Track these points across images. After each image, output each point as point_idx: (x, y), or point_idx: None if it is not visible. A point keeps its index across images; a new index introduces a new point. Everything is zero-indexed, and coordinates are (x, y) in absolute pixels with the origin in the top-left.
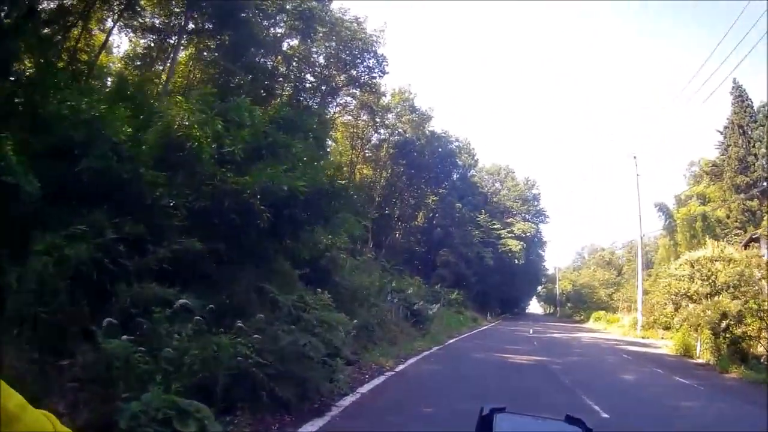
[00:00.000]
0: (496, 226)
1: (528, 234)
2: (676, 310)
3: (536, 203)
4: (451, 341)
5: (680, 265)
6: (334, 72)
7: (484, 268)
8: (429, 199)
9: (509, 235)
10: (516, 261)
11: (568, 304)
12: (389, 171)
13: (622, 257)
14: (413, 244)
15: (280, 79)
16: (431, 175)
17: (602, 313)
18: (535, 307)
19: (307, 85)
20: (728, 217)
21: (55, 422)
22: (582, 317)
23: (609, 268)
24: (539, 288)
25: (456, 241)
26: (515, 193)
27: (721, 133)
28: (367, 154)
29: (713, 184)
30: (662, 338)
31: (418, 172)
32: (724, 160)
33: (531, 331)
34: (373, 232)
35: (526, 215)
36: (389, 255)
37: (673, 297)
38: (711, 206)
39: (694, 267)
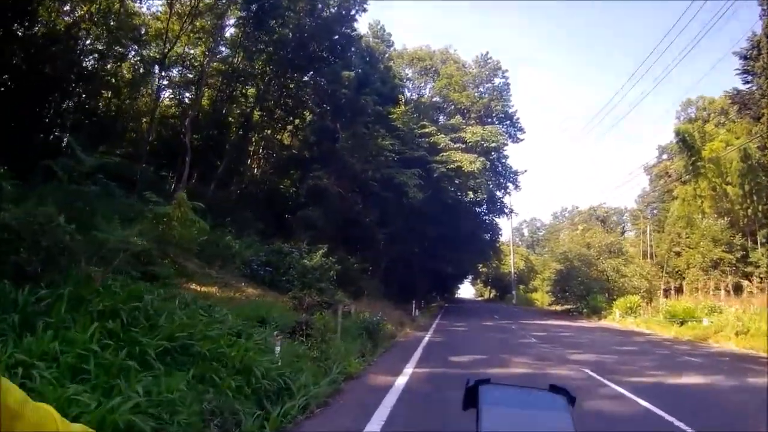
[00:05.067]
0: (427, 130)
1: (491, 144)
2: None
3: (504, 99)
4: None
5: None
6: None
7: (405, 210)
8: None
9: (455, 145)
10: (472, 195)
11: (521, 287)
12: (238, 51)
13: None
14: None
15: None
16: (312, 55)
17: (635, 298)
18: (466, 290)
19: None
20: None
21: (56, 415)
22: (577, 307)
23: (605, 229)
24: (483, 261)
25: (342, 149)
26: (464, 78)
27: (746, 57)
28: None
29: (738, 120)
30: None
31: (287, 53)
32: (757, 88)
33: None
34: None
35: (486, 117)
36: (232, 196)
37: None
38: (739, 144)
39: None
